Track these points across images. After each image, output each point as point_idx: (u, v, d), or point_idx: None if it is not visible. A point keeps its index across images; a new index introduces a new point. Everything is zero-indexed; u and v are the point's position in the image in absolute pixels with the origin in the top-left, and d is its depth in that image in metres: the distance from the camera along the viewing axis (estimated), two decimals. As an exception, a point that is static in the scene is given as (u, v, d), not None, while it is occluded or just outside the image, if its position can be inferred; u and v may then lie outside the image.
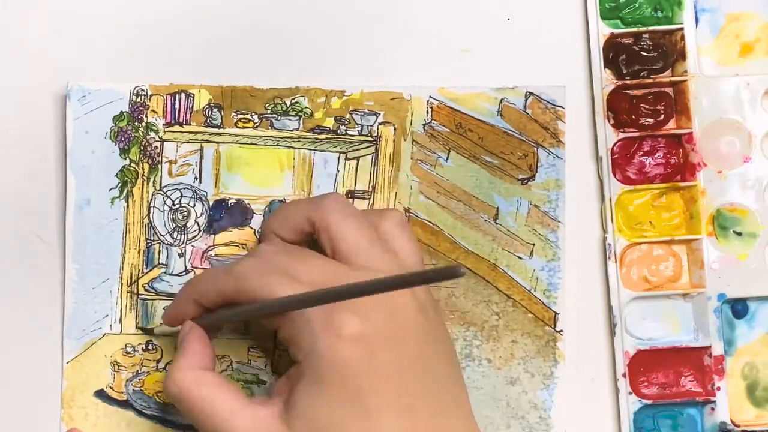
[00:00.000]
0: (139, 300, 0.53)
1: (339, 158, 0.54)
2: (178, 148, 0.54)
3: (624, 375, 0.53)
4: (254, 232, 0.53)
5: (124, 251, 0.53)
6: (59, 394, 0.53)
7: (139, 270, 0.53)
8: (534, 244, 0.54)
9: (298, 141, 0.54)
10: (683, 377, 0.54)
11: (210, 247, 0.53)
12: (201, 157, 0.54)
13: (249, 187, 0.54)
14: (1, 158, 0.54)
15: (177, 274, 0.53)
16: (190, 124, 0.54)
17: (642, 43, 0.54)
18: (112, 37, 0.54)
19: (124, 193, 0.53)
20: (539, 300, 0.54)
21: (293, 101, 0.54)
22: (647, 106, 0.55)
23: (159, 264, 0.53)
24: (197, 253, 0.54)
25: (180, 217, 0.54)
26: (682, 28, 0.54)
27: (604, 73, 0.54)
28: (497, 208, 0.54)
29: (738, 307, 0.54)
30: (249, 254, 0.50)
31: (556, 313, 0.54)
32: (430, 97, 0.54)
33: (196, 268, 0.53)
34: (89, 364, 0.53)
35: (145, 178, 0.53)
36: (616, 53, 0.54)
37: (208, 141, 0.54)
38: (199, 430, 0.48)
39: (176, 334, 0.51)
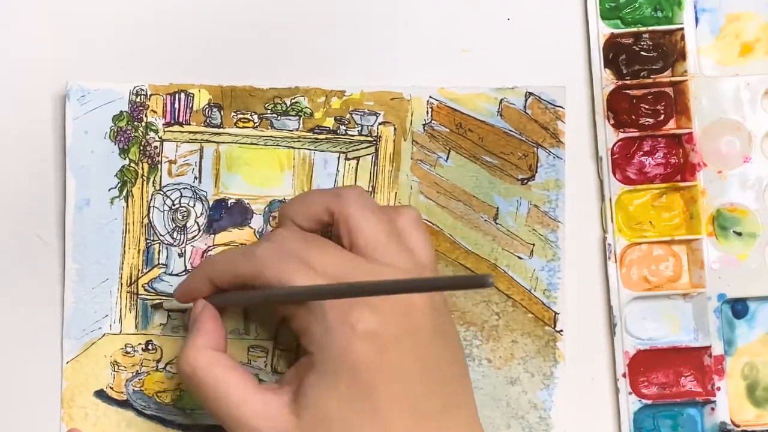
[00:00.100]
0: (138, 300, 0.53)
1: (339, 158, 0.54)
2: (177, 148, 0.54)
3: (624, 375, 0.53)
4: (254, 232, 0.53)
5: (124, 251, 0.53)
6: (59, 394, 0.53)
7: (138, 270, 0.53)
8: (534, 244, 0.54)
9: (298, 141, 0.54)
10: (683, 377, 0.54)
11: (210, 247, 0.53)
12: (201, 157, 0.54)
13: (249, 187, 0.54)
14: (0, 158, 0.54)
15: (177, 274, 0.53)
16: (189, 124, 0.54)
17: (642, 43, 0.54)
18: (111, 37, 0.54)
19: (124, 193, 0.53)
20: (539, 300, 0.54)
21: (293, 101, 0.54)
22: (647, 106, 0.55)
23: (159, 264, 0.53)
24: (197, 253, 0.54)
25: (180, 217, 0.54)
26: (682, 28, 0.54)
27: (604, 73, 0.54)
28: (497, 208, 0.54)
29: (738, 307, 0.54)
30: (267, 238, 0.49)
31: (556, 313, 0.54)
32: (430, 97, 0.54)
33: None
34: (89, 364, 0.53)
35: (144, 178, 0.53)
36: (616, 53, 0.54)
37: (207, 141, 0.54)
38: (208, 410, 0.48)
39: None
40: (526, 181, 0.54)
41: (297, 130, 0.54)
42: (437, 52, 0.55)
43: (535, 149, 0.54)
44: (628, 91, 0.55)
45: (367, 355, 0.45)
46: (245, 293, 0.49)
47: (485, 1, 0.55)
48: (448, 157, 0.54)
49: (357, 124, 0.54)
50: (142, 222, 0.53)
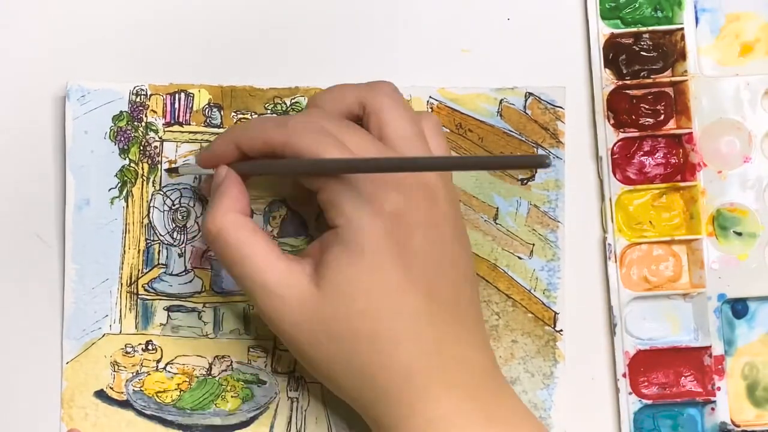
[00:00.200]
0: (138, 300, 0.53)
1: (339, 158, 0.54)
2: (177, 148, 0.54)
3: (624, 375, 0.53)
4: (254, 232, 0.53)
5: (124, 251, 0.53)
6: (59, 394, 0.53)
7: (138, 270, 0.53)
8: (534, 244, 0.54)
9: (298, 141, 0.54)
10: (683, 377, 0.54)
11: (210, 247, 0.53)
12: (201, 157, 0.54)
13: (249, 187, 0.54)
14: (0, 158, 0.54)
15: (177, 274, 0.53)
16: (189, 124, 0.54)
17: (642, 43, 0.54)
18: (111, 37, 0.54)
19: (124, 193, 0.53)
20: (539, 300, 0.54)
21: (293, 101, 0.54)
22: (647, 106, 0.55)
23: (159, 264, 0.53)
24: (197, 253, 0.54)
25: (180, 217, 0.54)
26: (682, 28, 0.54)
27: (604, 73, 0.54)
28: (497, 208, 0.54)
29: (738, 307, 0.54)
30: (300, 114, 0.50)
31: (555, 313, 0.54)
32: (430, 97, 0.54)
33: (195, 268, 0.53)
34: (89, 365, 0.53)
35: (144, 177, 0.53)
36: (616, 53, 0.54)
37: (207, 141, 0.54)
38: (229, 272, 0.48)
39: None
40: (526, 182, 0.54)
41: (297, 130, 0.54)
42: (437, 52, 0.55)
43: (535, 149, 0.54)
44: (628, 91, 0.55)
45: (394, 233, 0.46)
46: (272, 162, 0.48)
47: (485, 1, 0.55)
48: (448, 157, 0.54)
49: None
50: (142, 222, 0.53)
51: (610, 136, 0.54)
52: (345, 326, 0.46)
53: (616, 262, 0.54)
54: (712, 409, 0.53)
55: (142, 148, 0.53)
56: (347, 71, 0.54)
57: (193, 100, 0.54)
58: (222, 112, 0.54)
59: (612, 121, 0.54)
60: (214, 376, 0.53)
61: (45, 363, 0.53)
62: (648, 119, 0.55)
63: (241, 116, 0.54)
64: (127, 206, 0.53)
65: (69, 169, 0.53)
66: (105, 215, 0.53)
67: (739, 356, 0.54)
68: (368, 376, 0.46)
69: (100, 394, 0.53)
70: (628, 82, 0.54)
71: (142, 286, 0.53)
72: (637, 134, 0.54)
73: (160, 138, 0.54)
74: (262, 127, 0.48)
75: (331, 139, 0.47)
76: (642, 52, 0.54)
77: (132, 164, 0.53)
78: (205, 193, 0.53)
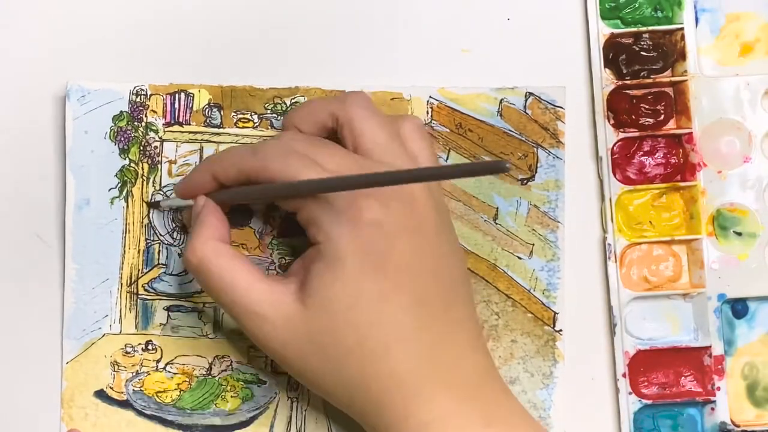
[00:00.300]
0: (138, 300, 0.53)
1: (339, 158, 0.54)
2: (177, 148, 0.54)
3: (624, 375, 0.53)
4: (254, 232, 0.53)
5: (124, 251, 0.53)
6: (59, 394, 0.53)
7: (138, 270, 0.53)
8: (533, 244, 0.54)
9: (298, 141, 0.54)
10: (683, 377, 0.54)
11: (210, 247, 0.53)
12: (201, 157, 0.54)
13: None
14: (0, 158, 0.54)
15: (177, 274, 0.53)
16: (189, 124, 0.54)
17: (642, 43, 0.54)
18: (111, 37, 0.54)
19: (124, 193, 0.53)
20: (539, 300, 0.54)
21: (293, 101, 0.54)
22: (647, 106, 0.55)
23: (159, 264, 0.53)
24: (197, 253, 0.53)
25: (180, 217, 0.54)
26: (682, 28, 0.54)
27: (604, 73, 0.54)
28: (497, 208, 0.54)
29: (738, 307, 0.54)
30: (272, 139, 0.50)
31: (555, 313, 0.54)
32: (430, 97, 0.54)
33: (195, 268, 0.53)
34: (89, 364, 0.53)
35: (144, 178, 0.53)
36: (616, 53, 0.54)
37: (207, 141, 0.54)
38: (215, 300, 0.49)
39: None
40: (525, 182, 0.54)
41: (297, 130, 0.54)
42: (437, 52, 0.55)
43: (535, 149, 0.54)
44: (628, 91, 0.55)
45: (374, 243, 0.46)
46: (248, 188, 0.49)
47: (485, 1, 0.55)
48: (447, 157, 0.54)
49: (357, 124, 0.54)
50: (142, 222, 0.53)
51: (610, 136, 0.54)
52: (332, 339, 0.46)
53: (616, 262, 0.54)
54: (712, 409, 0.53)
55: (142, 148, 0.53)
56: (347, 71, 0.54)
57: (193, 100, 0.54)
58: (222, 112, 0.54)
59: (612, 121, 0.54)
60: (214, 376, 0.53)
61: (45, 363, 0.53)
62: (648, 119, 0.55)
63: (241, 116, 0.54)
64: (127, 206, 0.53)
65: (69, 169, 0.53)
66: (105, 215, 0.53)
67: (739, 356, 0.54)
68: (360, 386, 0.46)
69: (100, 394, 0.53)
70: (628, 82, 0.54)
71: (142, 286, 0.53)
72: (637, 134, 0.54)
73: (160, 138, 0.54)
74: (235, 156, 0.49)
75: (303, 160, 0.47)
76: (642, 52, 0.54)
77: (132, 164, 0.53)
78: (185, 222, 0.53)
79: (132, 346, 0.53)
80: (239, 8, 0.55)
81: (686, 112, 0.54)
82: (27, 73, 0.54)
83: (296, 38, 0.54)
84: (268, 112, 0.54)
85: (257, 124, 0.54)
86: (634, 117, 0.54)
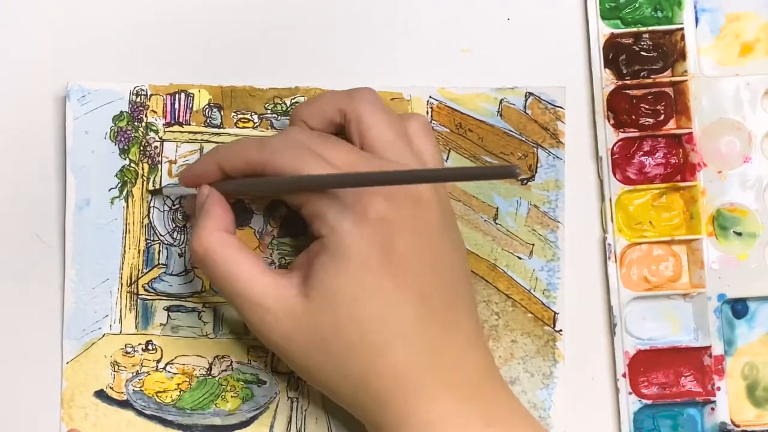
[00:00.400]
0: (138, 300, 0.53)
1: (339, 158, 0.54)
2: (177, 148, 0.54)
3: (624, 375, 0.53)
4: (254, 232, 0.53)
5: (124, 251, 0.53)
6: (59, 394, 0.53)
7: (138, 270, 0.53)
8: (533, 245, 0.54)
9: (298, 141, 0.54)
10: (683, 377, 0.54)
11: (210, 247, 0.53)
12: (201, 157, 0.54)
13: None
14: (0, 158, 0.54)
15: (177, 274, 0.53)
16: (189, 124, 0.54)
17: (642, 43, 0.54)
18: (111, 37, 0.54)
19: (124, 193, 0.53)
20: (539, 300, 0.54)
21: (293, 101, 0.54)
22: (647, 106, 0.55)
23: (159, 264, 0.53)
24: (197, 253, 0.53)
25: (180, 217, 0.54)
26: (682, 28, 0.54)
27: (604, 73, 0.54)
28: (497, 208, 0.54)
29: (738, 307, 0.54)
30: (280, 133, 0.50)
31: (555, 313, 0.54)
32: (430, 97, 0.54)
33: (195, 268, 0.53)
34: (89, 365, 0.53)
35: (144, 178, 0.53)
36: (616, 53, 0.54)
37: (208, 141, 0.54)
38: (219, 290, 0.49)
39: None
40: (525, 182, 0.54)
41: (297, 130, 0.54)
42: (437, 52, 0.55)
43: (535, 149, 0.54)
44: (628, 91, 0.55)
45: (379, 239, 0.46)
46: (254, 180, 0.49)
47: (485, 1, 0.55)
48: (447, 157, 0.54)
49: (357, 124, 0.54)
50: (143, 222, 0.53)
51: (610, 136, 0.54)
52: (335, 334, 0.46)
53: (616, 262, 0.54)
54: (712, 409, 0.53)
55: (142, 148, 0.53)
56: (347, 71, 0.54)
57: (193, 100, 0.54)
58: (222, 112, 0.54)
59: (612, 121, 0.54)
60: (214, 376, 0.53)
61: (45, 363, 0.53)
62: (648, 119, 0.55)
63: (241, 116, 0.54)
64: (128, 206, 0.53)
65: (69, 169, 0.53)
66: (105, 215, 0.53)
67: (739, 356, 0.54)
68: (362, 382, 0.47)
69: (100, 394, 0.53)
70: (628, 82, 0.54)
71: (142, 286, 0.53)
72: (637, 134, 0.54)
73: (161, 138, 0.54)
74: (242, 148, 0.49)
75: (310, 155, 0.47)
76: (642, 52, 0.54)
77: (132, 164, 0.53)
78: (187, 210, 0.53)
79: (132, 346, 0.53)
80: (239, 8, 0.55)
81: (686, 112, 0.54)
82: (27, 73, 0.54)
83: (296, 38, 0.54)
84: (268, 112, 0.54)
85: (257, 124, 0.54)
86: (634, 117, 0.54)
